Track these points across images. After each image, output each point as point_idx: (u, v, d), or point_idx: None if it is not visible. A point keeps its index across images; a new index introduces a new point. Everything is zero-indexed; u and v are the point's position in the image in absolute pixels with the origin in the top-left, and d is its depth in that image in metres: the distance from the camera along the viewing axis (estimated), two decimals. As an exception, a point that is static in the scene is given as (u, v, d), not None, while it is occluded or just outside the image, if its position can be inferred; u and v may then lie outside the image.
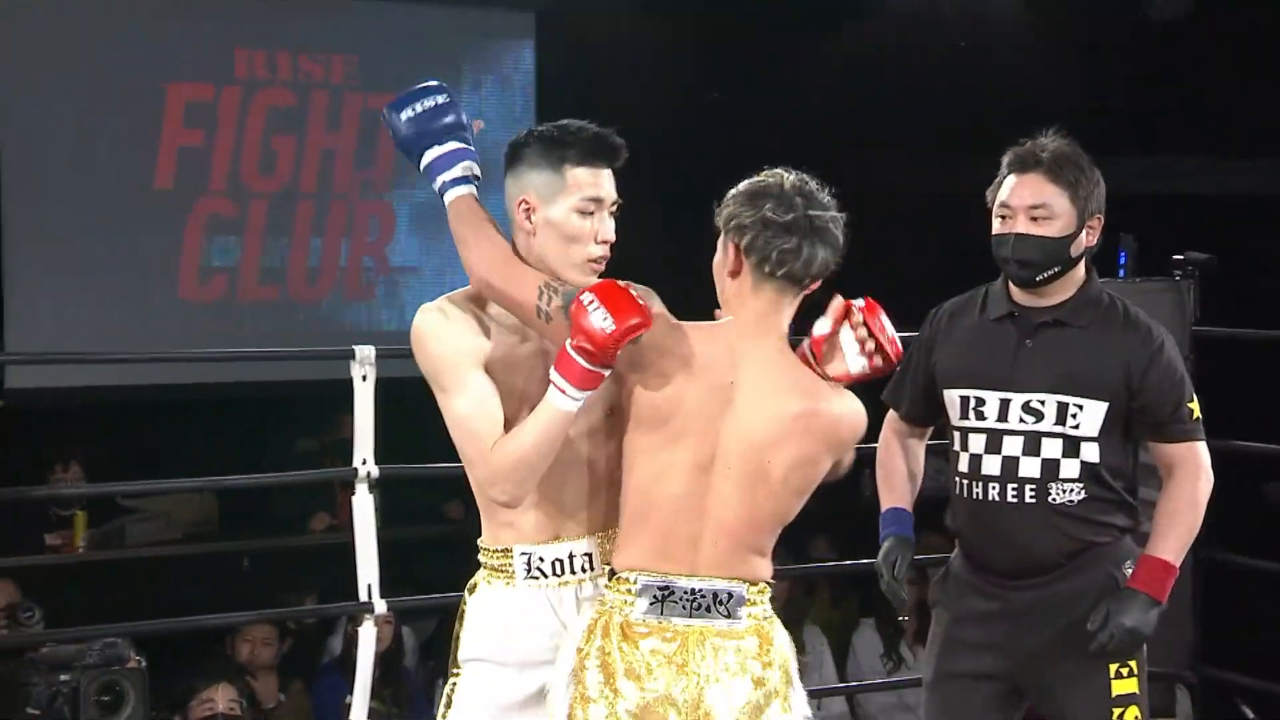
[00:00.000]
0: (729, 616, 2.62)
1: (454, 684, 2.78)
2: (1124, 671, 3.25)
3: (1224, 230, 5.45)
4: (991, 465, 3.26)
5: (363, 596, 4.22)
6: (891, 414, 3.51)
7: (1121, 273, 5.33)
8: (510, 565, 2.74)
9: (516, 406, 2.66)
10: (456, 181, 2.72)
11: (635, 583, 2.61)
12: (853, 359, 2.73)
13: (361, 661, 4.23)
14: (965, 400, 3.29)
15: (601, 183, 2.70)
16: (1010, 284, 3.32)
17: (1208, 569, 4.84)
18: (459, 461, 4.72)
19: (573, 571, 2.77)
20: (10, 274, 8.42)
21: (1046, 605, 3.25)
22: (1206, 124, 9.59)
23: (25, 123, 8.43)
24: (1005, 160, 3.32)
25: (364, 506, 4.20)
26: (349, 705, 4.31)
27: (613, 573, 2.66)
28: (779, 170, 2.64)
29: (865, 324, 2.72)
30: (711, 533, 2.63)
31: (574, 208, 2.67)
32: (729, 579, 2.63)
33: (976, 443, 3.29)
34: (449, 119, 2.76)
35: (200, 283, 9.01)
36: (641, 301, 2.55)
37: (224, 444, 7.94)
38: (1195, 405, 3.31)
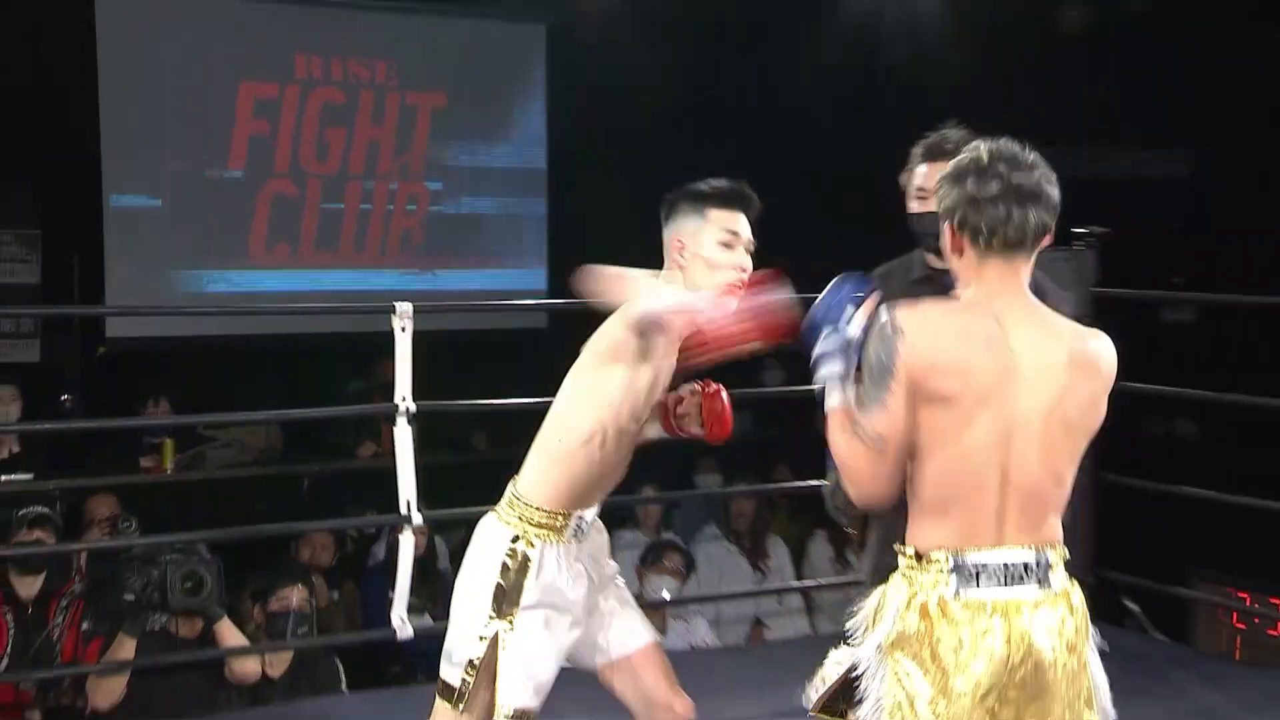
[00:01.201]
0: (1041, 584, 2.27)
1: (510, 628, 2.70)
2: None
3: (1113, 208, 5.43)
4: None
5: (403, 510, 4.22)
6: None
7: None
8: (564, 524, 2.74)
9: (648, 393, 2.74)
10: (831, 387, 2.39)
11: (947, 561, 2.25)
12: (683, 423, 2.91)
13: (402, 565, 4.23)
14: None
15: (739, 222, 2.80)
16: (927, 252, 3.29)
17: (1103, 489, 4.86)
18: (485, 400, 4.79)
19: (591, 531, 2.83)
20: (111, 241, 8.47)
21: None
22: (1099, 119, 9.63)
23: (126, 113, 8.47)
24: (917, 151, 3.27)
25: (404, 436, 4.20)
26: (391, 601, 4.30)
27: (917, 555, 2.29)
28: (977, 142, 2.35)
29: (698, 401, 2.87)
30: (1017, 502, 2.26)
31: (718, 241, 2.78)
32: (1036, 546, 2.27)
33: None
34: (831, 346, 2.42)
35: (267, 249, 9.06)
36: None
37: (287, 384, 7.94)
38: None
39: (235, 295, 8.72)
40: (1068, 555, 2.33)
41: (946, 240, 2.36)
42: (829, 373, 2.35)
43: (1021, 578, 2.25)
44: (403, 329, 4.16)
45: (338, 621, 5.64)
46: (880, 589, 2.36)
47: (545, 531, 2.72)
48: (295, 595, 4.62)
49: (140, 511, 5.46)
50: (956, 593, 2.23)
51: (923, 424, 2.24)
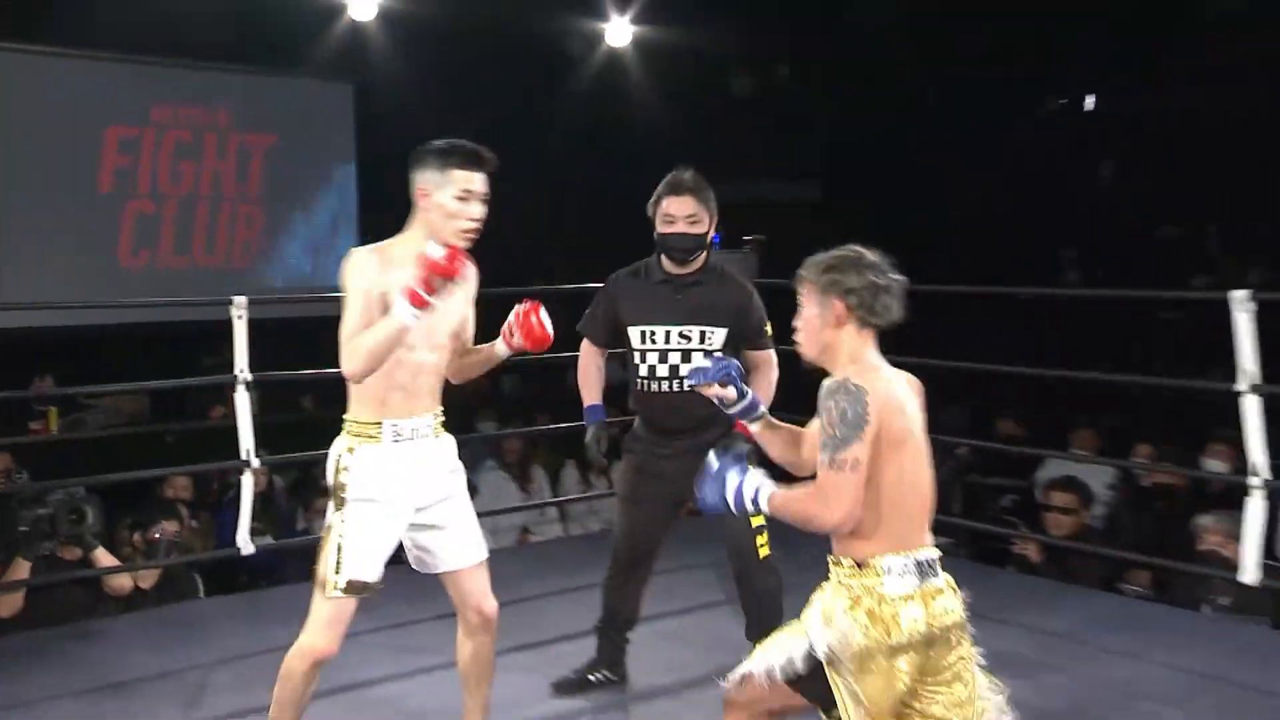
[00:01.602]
0: (937, 575, 2.19)
1: (343, 517, 2.58)
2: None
3: (766, 222, 5.62)
4: (662, 370, 3.23)
5: (243, 457, 4.14)
6: (586, 343, 3.40)
7: (716, 246, 5.51)
8: (379, 432, 2.59)
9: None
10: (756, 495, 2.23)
11: (883, 566, 2.13)
12: (512, 339, 2.73)
13: (244, 498, 4.16)
14: (643, 333, 3.25)
15: (475, 180, 2.57)
16: (664, 259, 3.26)
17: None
18: (312, 369, 4.67)
19: (420, 436, 2.63)
20: (4, 250, 7.92)
21: (697, 449, 3.14)
22: (761, 157, 9.97)
23: (9, 154, 7.92)
24: (662, 188, 3.23)
25: (242, 400, 4.13)
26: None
27: (856, 563, 2.15)
28: (854, 246, 2.26)
29: (521, 316, 2.70)
30: (923, 510, 2.22)
31: (454, 195, 2.56)
32: (930, 544, 2.21)
33: (652, 358, 3.24)
34: (730, 463, 2.29)
35: (133, 254, 8.59)
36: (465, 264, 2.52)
37: (154, 362, 7.56)
38: (769, 327, 3.32)
39: (108, 292, 8.28)
40: None
41: (819, 313, 2.23)
42: (762, 499, 2.19)
43: (930, 571, 2.17)
44: (239, 317, 4.10)
45: (196, 544, 5.42)
46: (818, 598, 2.21)
47: (363, 439, 2.59)
48: (169, 526, 4.53)
49: (30, 466, 5.15)
50: (891, 591, 2.13)
51: (878, 461, 2.13)
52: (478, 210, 2.58)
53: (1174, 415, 6.76)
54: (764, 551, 3.27)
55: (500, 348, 2.78)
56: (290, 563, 5.20)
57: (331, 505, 2.61)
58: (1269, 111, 9.39)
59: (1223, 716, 3.29)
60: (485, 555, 2.77)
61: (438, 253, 2.43)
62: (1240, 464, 4.96)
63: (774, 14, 8.93)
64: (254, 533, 4.25)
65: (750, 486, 2.21)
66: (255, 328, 4.14)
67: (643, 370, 3.26)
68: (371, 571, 2.59)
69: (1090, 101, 11.60)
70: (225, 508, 5.73)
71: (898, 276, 2.24)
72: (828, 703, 2.16)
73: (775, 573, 3.31)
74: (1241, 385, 3.70)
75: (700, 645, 3.80)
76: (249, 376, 4.11)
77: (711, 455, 2.31)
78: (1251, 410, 3.70)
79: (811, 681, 2.16)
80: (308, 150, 9.34)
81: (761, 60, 9.70)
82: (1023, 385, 5.46)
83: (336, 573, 2.57)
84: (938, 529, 2.17)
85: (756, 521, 3.23)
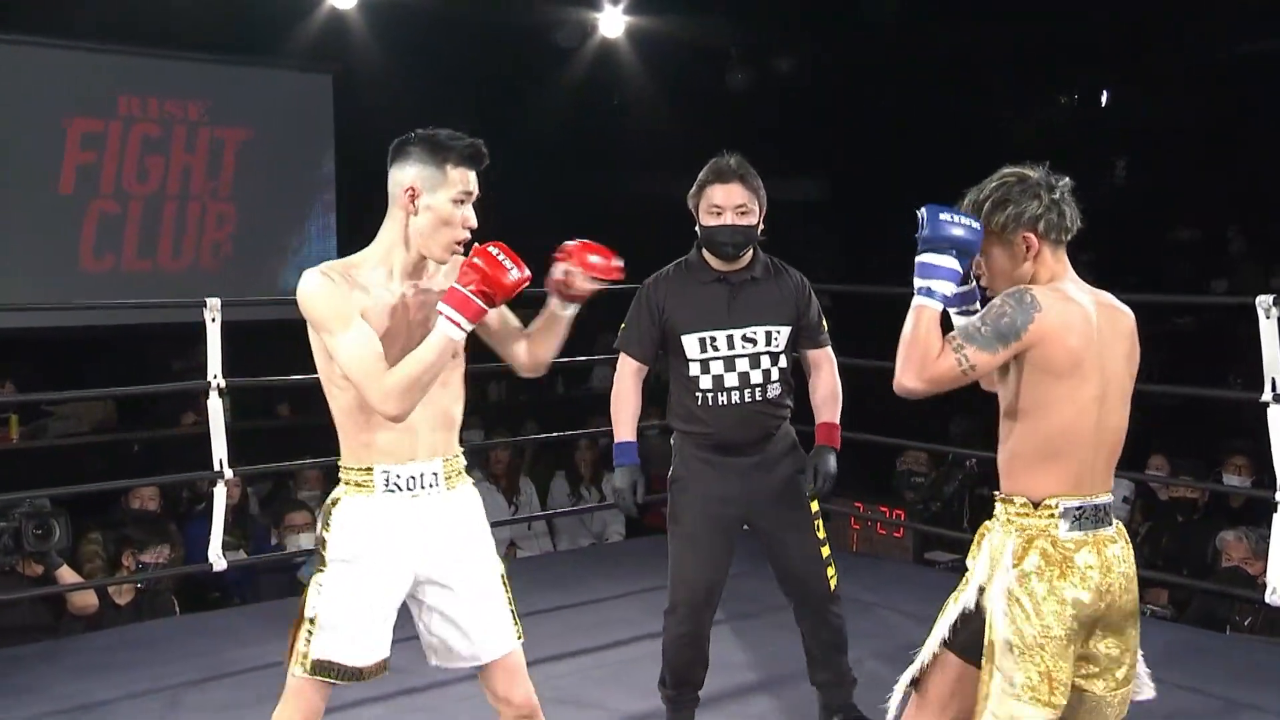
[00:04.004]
0: (1110, 523, 2.13)
1: (320, 580, 2.24)
2: (822, 536, 3.11)
3: (775, 223, 5.61)
4: (731, 380, 3.03)
5: (216, 467, 4.11)
6: (627, 360, 3.14)
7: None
8: (371, 480, 2.23)
9: (388, 347, 2.18)
10: (928, 293, 2.09)
11: (1058, 507, 2.08)
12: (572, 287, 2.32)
13: (216, 511, 4.13)
14: (702, 340, 3.04)
15: (471, 180, 2.24)
16: (709, 256, 3.06)
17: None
18: (289, 375, 4.65)
19: (423, 487, 2.26)
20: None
21: (763, 465, 3.09)
22: (761, 155, 9.97)
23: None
24: (706, 175, 3.04)
25: (215, 407, 4.09)
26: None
27: (1032, 502, 2.09)
28: (1009, 169, 2.17)
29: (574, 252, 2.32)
30: (1104, 453, 2.13)
31: (451, 198, 2.21)
32: (1109, 492, 2.15)
33: (716, 367, 3.03)
34: (960, 235, 2.09)
35: (96, 258, 8.55)
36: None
37: (121, 366, 7.52)
38: (825, 321, 3.19)
39: (70, 296, 8.15)
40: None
41: (1008, 251, 2.12)
42: (940, 287, 2.08)
43: (1105, 518, 2.12)
44: (213, 319, 4.07)
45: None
46: (985, 540, 2.15)
47: (351, 488, 2.26)
48: (163, 549, 4.60)
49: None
50: (1065, 533, 2.07)
51: (1038, 388, 2.06)
52: (473, 217, 2.24)
53: (1187, 425, 6.76)
54: (834, 583, 3.11)
55: (561, 307, 2.36)
56: (264, 579, 5.19)
57: (317, 561, 2.29)
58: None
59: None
60: (516, 645, 2.36)
61: (508, 267, 2.11)
62: (1260, 477, 4.98)
63: (774, 5, 8.95)
64: (226, 547, 4.23)
65: (944, 275, 2.07)
66: (229, 331, 4.12)
67: (705, 383, 3.04)
68: (346, 651, 2.22)
69: (1104, 98, 11.70)
70: (195, 520, 5.72)
71: (1064, 179, 2.15)
72: (975, 653, 2.11)
73: (839, 603, 3.15)
74: (1267, 395, 3.70)
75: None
76: (222, 382, 4.10)
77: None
78: (1277, 421, 3.70)
79: (963, 629, 2.13)
80: (284, 145, 9.29)
81: (761, 53, 9.71)
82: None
83: (306, 647, 2.23)
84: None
85: (825, 551, 3.10)
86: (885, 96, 9.90)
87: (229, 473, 4.13)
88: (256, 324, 6.98)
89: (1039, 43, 9.55)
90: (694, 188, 3.06)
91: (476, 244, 2.21)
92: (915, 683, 2.19)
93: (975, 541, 2.19)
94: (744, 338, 3.04)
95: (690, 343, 3.05)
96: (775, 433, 3.09)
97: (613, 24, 8.89)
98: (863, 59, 9.61)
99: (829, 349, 3.18)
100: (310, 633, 2.23)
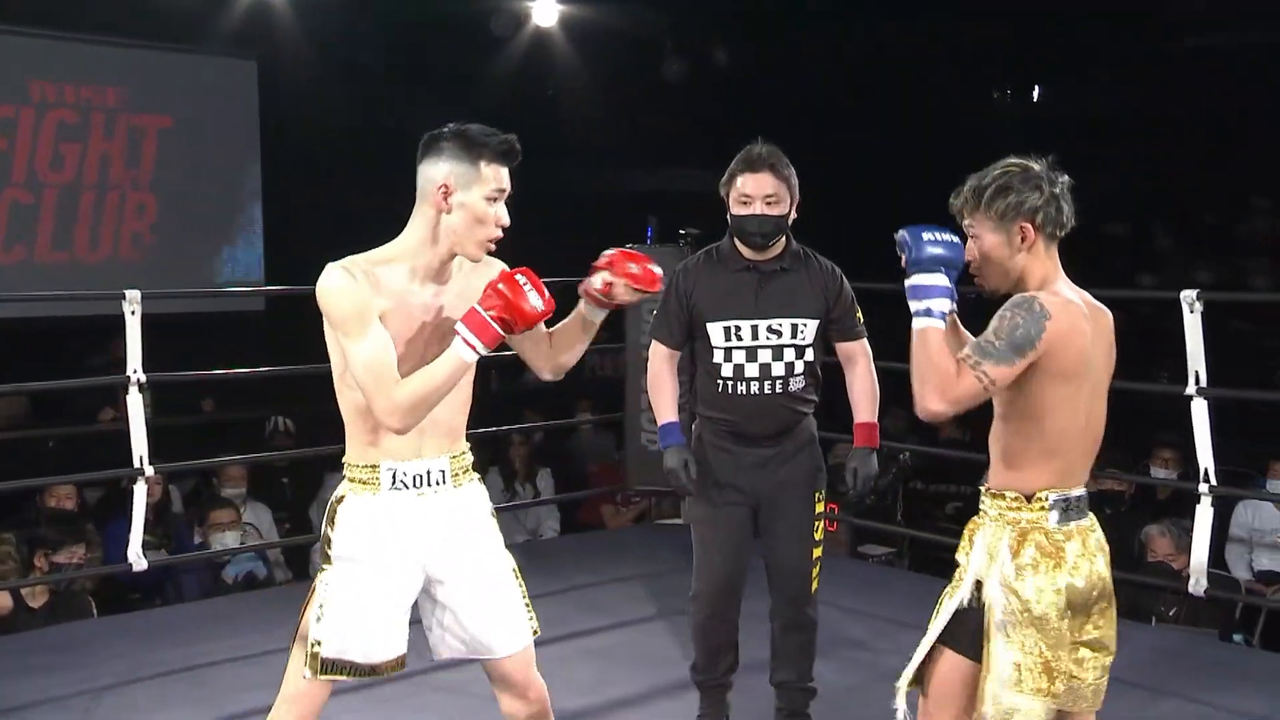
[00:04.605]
0: (1087, 514, 2.21)
1: (326, 579, 2.24)
2: (818, 538, 3.12)
3: (711, 216, 5.62)
4: (752, 370, 3.05)
5: (135, 464, 4.06)
6: (659, 346, 3.15)
7: (649, 239, 5.51)
8: (376, 478, 2.23)
9: (403, 350, 2.17)
10: (927, 313, 2.12)
11: (1048, 500, 2.14)
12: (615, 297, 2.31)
13: (136, 510, 4.08)
14: (727, 329, 3.05)
15: (505, 177, 2.22)
16: (740, 245, 3.08)
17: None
18: (212, 370, 4.58)
19: (430, 485, 2.26)
20: None
21: (779, 457, 3.10)
22: (690, 145, 10.00)
23: None
24: (736, 165, 3.06)
25: (135, 402, 4.02)
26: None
27: (1024, 496, 2.15)
28: (1013, 160, 2.19)
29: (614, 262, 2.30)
30: (1090, 447, 2.20)
31: (485, 196, 2.19)
32: (1086, 483, 2.22)
33: (739, 356, 3.05)
34: (944, 253, 2.13)
35: (6, 249, 8.35)
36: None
37: (36, 360, 7.36)
38: (860, 313, 3.18)
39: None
40: None
41: (1005, 240, 2.15)
42: (938, 305, 2.11)
43: (1085, 509, 2.19)
44: (132, 312, 4.01)
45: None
46: (977, 535, 2.20)
47: (357, 485, 2.24)
48: (78, 550, 4.52)
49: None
50: (1055, 524, 2.14)
51: (1044, 391, 2.11)
52: (506, 215, 2.21)
53: (1116, 418, 6.92)
54: (815, 585, 3.14)
55: (593, 314, 2.34)
56: (186, 579, 5.11)
57: (321, 560, 2.29)
58: (1216, 105, 9.70)
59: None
60: (529, 641, 2.35)
61: (532, 298, 2.10)
62: (1186, 470, 5.11)
63: (710, -5, 8.99)
64: (147, 546, 4.18)
65: (939, 294, 2.10)
66: (150, 324, 4.06)
67: (727, 370, 3.07)
68: (356, 649, 2.22)
69: (1036, 94, 11.93)
70: (116, 518, 5.62)
71: (1064, 176, 2.19)
72: (975, 650, 2.15)
73: (815, 608, 3.18)
74: (1191, 388, 3.80)
75: (629, 662, 3.81)
76: (142, 377, 4.04)
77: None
78: (1200, 415, 3.80)
79: (958, 626, 2.16)
80: (207, 133, 9.11)
81: (697, 43, 9.74)
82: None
83: (315, 648, 2.22)
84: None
85: (816, 553, 3.12)
86: (819, 88, 9.98)
87: (150, 470, 4.08)
88: (179, 316, 6.88)
89: (974, 38, 9.70)
90: (725, 176, 3.09)
91: (505, 268, 2.22)
92: (919, 681, 2.22)
93: (965, 537, 2.23)
94: (769, 329, 3.06)
95: (715, 330, 3.08)
96: (795, 426, 3.11)
97: (546, 13, 8.87)
98: (797, 51, 9.67)
99: (864, 342, 3.17)
100: (319, 634, 2.22)
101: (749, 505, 3.11)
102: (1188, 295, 3.77)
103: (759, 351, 3.05)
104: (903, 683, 2.23)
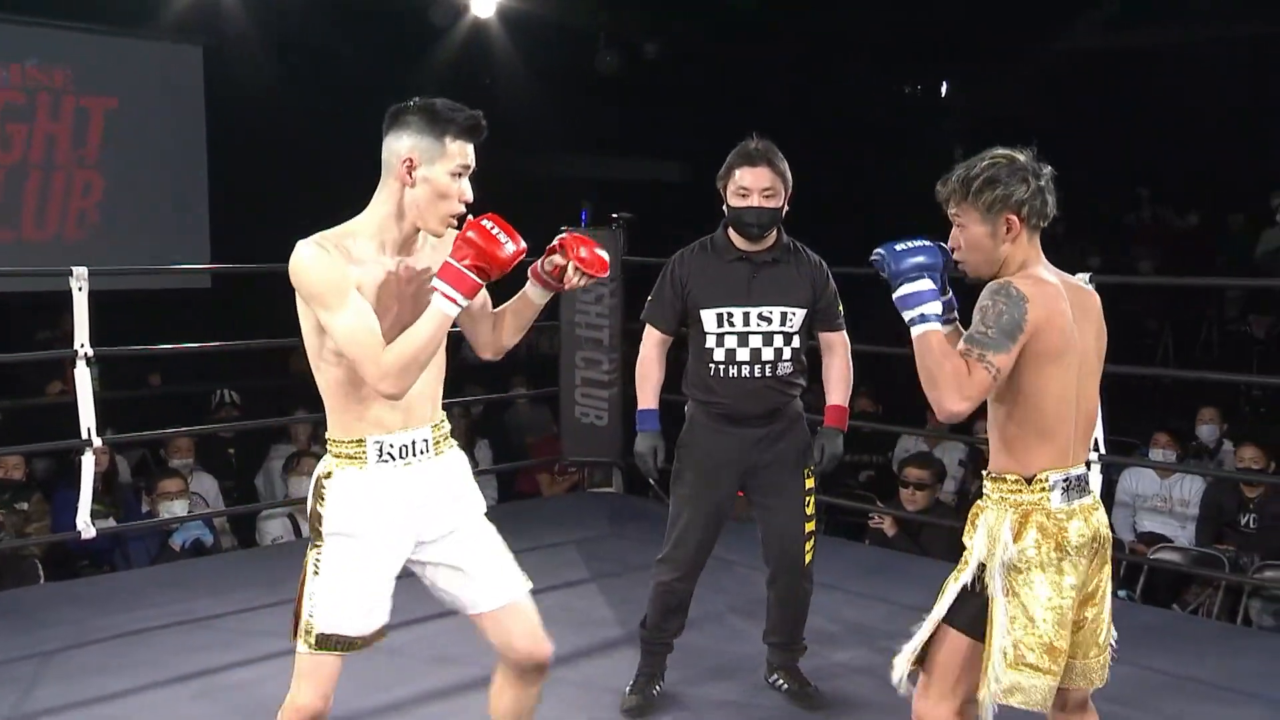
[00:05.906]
0: (1088, 493, 2.17)
1: (318, 554, 2.16)
2: (810, 512, 3.15)
3: (642, 203, 5.63)
4: (743, 355, 3.07)
5: (84, 436, 3.98)
6: (652, 331, 3.17)
7: (583, 222, 5.50)
8: (363, 452, 2.16)
9: (382, 320, 2.09)
10: (922, 319, 2.09)
11: (1048, 481, 2.10)
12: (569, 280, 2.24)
13: (84, 479, 4.00)
14: (719, 316, 3.08)
15: (469, 153, 2.13)
16: (735, 235, 3.10)
17: (626, 400, 5.04)
18: (160, 345, 4.49)
19: (415, 455, 2.20)
20: None
21: (766, 439, 3.11)
22: (625, 137, 9.97)
23: None
24: (733, 159, 3.06)
25: (83, 376, 3.95)
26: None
27: (1025, 478, 2.12)
28: (1000, 150, 2.17)
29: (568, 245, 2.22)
30: (1082, 426, 2.16)
31: (450, 171, 2.11)
32: (1084, 463, 2.17)
33: (730, 341, 3.07)
34: (923, 260, 2.11)
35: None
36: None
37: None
38: (841, 305, 3.20)
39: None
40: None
41: (989, 230, 2.12)
42: (930, 309, 2.09)
43: (1086, 487, 2.16)
44: (79, 289, 3.93)
45: (33, 527, 5.16)
46: (980, 519, 2.16)
47: (343, 460, 2.17)
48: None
49: None
50: (1057, 504, 2.11)
51: (1033, 372, 2.07)
52: (469, 190, 2.13)
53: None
54: (810, 556, 3.15)
55: (539, 295, 2.28)
56: (134, 546, 5.01)
57: (312, 537, 2.20)
58: (1110, 103, 9.91)
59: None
60: (522, 592, 2.30)
61: (502, 240, 2.04)
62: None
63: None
64: (95, 515, 4.08)
65: (928, 298, 2.08)
66: (98, 301, 3.97)
67: (719, 355, 3.09)
68: (351, 623, 2.15)
69: (944, 89, 12.11)
70: (65, 488, 5.49)
71: (1047, 168, 2.16)
72: (978, 628, 2.13)
73: (811, 579, 3.20)
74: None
75: (564, 624, 3.78)
76: (89, 351, 3.95)
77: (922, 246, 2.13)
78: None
79: (964, 605, 2.14)
80: (152, 115, 8.90)
81: (629, 37, 9.69)
82: (878, 363, 5.62)
83: (310, 622, 2.15)
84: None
85: (810, 527, 3.14)
86: (743, 83, 10.00)
87: (97, 441, 4.00)
88: (127, 294, 6.72)
89: (886, 35, 9.79)
90: (722, 169, 3.09)
91: (470, 217, 2.12)
92: (920, 661, 2.20)
93: (969, 521, 2.21)
94: (760, 316, 3.08)
95: (708, 317, 3.10)
96: (783, 409, 3.13)
97: (484, 4, 8.76)
98: (723, 46, 9.68)
99: (843, 333, 3.21)
100: (313, 609, 2.15)
101: (734, 479, 3.14)
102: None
103: (750, 337, 3.08)
104: (902, 661, 2.20)
